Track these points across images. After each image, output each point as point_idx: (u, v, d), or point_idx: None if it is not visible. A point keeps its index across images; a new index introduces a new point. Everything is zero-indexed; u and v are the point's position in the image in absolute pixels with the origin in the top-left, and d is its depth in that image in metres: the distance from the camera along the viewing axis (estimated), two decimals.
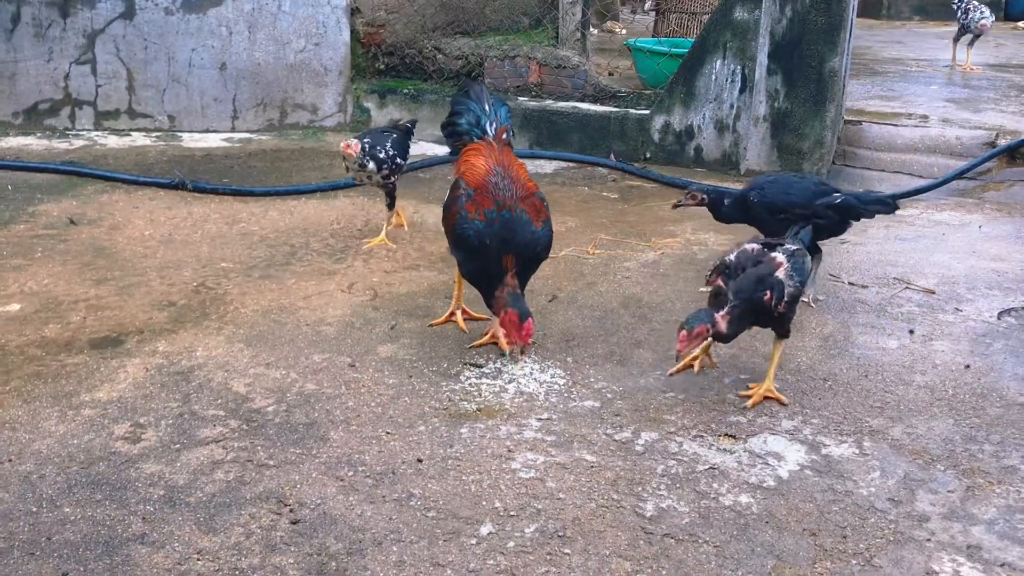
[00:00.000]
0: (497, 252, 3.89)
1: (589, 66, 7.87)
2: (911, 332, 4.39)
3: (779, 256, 3.64)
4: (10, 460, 3.19)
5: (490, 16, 8.18)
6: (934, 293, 4.89)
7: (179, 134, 7.93)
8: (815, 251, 4.55)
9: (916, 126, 7.36)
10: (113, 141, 7.63)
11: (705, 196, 4.70)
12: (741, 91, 7.04)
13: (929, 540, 2.90)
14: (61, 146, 7.34)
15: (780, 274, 3.57)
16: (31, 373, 3.81)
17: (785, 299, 3.56)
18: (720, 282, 3.59)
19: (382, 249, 5.43)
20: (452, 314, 4.43)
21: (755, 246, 3.71)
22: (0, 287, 4.66)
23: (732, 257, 3.66)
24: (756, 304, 3.53)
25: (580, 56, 7.85)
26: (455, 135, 4.46)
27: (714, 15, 7.10)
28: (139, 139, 7.76)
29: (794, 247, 3.73)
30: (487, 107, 4.42)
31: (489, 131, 4.34)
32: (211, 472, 3.16)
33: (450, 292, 4.74)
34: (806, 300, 4.67)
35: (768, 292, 3.52)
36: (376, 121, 8.22)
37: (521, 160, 4.31)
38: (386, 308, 4.58)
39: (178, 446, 3.31)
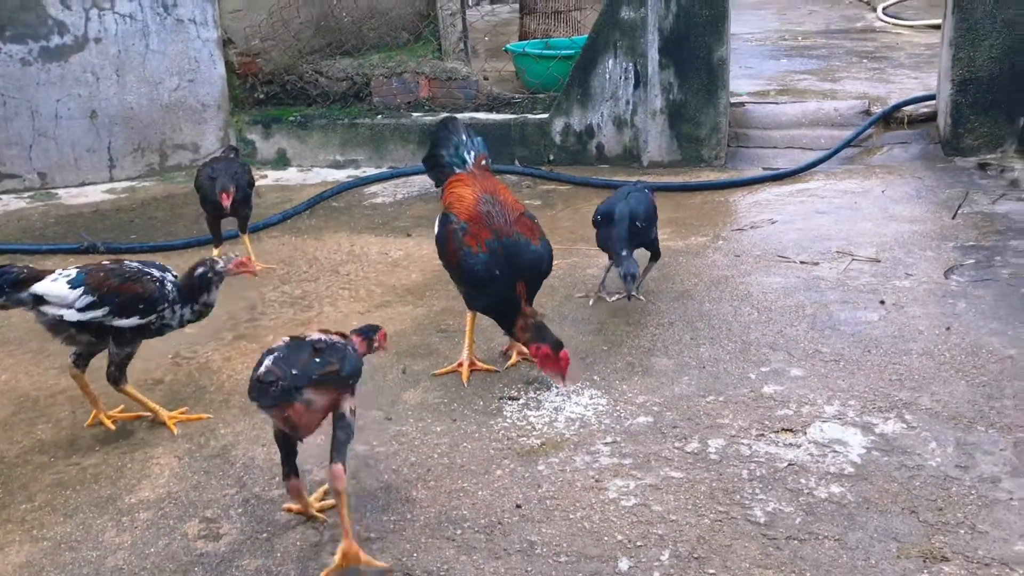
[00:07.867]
0: (508, 278, 3.97)
1: (478, 76, 7.91)
2: (882, 303, 4.72)
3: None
4: None
5: (368, 34, 8.05)
6: (879, 261, 5.26)
7: (54, 191, 7.40)
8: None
9: (794, 102, 7.84)
10: None
11: None
12: (635, 87, 7.27)
13: (1012, 499, 3.17)
14: None
15: None
16: (53, 483, 3.53)
17: None
18: None
19: (343, 290, 5.31)
20: (460, 364, 4.28)
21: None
22: None
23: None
24: None
25: (467, 67, 7.88)
26: (438, 167, 4.53)
27: (601, 16, 7.29)
28: (12, 203, 7.19)
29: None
30: (464, 137, 4.53)
31: (469, 159, 4.45)
32: (317, 556, 3.04)
33: (437, 324, 4.74)
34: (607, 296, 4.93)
35: None
36: (262, 153, 7.96)
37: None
38: (384, 352, 4.48)
39: (265, 535, 3.16)
